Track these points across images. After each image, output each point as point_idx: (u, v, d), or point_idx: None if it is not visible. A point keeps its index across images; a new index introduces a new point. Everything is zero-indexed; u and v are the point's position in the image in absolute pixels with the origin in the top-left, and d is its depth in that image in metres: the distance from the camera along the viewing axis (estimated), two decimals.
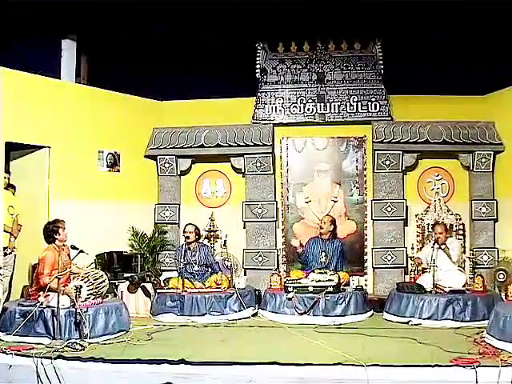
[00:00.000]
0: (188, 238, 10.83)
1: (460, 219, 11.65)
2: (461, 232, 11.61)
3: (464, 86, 11.81)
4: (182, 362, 6.89)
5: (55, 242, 8.75)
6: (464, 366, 6.53)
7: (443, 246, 10.27)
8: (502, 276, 10.82)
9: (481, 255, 11.45)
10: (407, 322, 9.48)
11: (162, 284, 10.78)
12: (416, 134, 11.65)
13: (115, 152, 11.58)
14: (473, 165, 11.71)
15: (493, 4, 10.72)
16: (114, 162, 11.57)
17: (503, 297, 9.92)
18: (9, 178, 10.17)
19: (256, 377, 6.64)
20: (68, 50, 11.89)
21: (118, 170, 11.64)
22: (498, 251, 11.45)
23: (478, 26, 11.55)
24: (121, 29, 11.91)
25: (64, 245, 8.83)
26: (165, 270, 11.60)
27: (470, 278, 10.45)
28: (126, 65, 12.28)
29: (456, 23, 11.63)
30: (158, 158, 11.67)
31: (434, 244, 10.23)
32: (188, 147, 11.60)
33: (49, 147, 10.51)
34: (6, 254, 9.48)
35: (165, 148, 11.61)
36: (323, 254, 10.86)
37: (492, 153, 11.67)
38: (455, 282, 9.97)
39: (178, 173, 11.73)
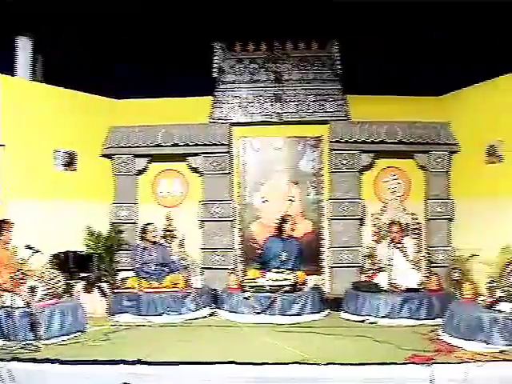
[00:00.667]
0: (154, 237, 11.13)
1: (416, 218, 11.92)
2: (416, 231, 11.91)
3: (420, 86, 12.04)
4: (139, 362, 7.06)
5: None
6: (419, 364, 6.85)
7: (399, 245, 10.57)
8: (456, 274, 11.08)
9: (436, 254, 11.77)
10: (363, 321, 9.77)
11: (119, 284, 10.90)
12: (372, 133, 11.89)
13: (71, 151, 11.68)
14: (428, 165, 11.98)
15: (449, 5, 11.08)
16: (69, 162, 11.63)
17: (458, 295, 10.21)
18: None
19: (213, 376, 6.84)
20: (23, 48, 11.92)
21: (74, 170, 11.74)
22: (452, 250, 11.76)
23: (434, 28, 11.80)
24: (77, 27, 12.03)
25: (7, 246, 8.92)
26: (121, 270, 11.67)
27: (426, 276, 10.70)
28: (83, 63, 12.33)
29: (413, 24, 11.82)
30: (115, 157, 11.75)
31: (389, 243, 10.54)
32: (144, 146, 11.67)
33: (3, 145, 10.55)
34: None
35: (121, 147, 11.67)
36: (284, 253, 11.11)
37: (447, 153, 11.95)
38: (411, 280, 10.24)
39: (135, 172, 11.80)
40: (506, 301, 7.71)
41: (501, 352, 7.30)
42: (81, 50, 12.26)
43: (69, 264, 10.68)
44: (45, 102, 11.27)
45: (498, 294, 8.01)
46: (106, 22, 11.94)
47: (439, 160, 11.97)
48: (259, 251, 11.47)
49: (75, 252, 10.97)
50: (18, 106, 10.81)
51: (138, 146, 11.84)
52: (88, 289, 10.65)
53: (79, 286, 10.54)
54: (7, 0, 10.40)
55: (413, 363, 6.90)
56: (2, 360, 7.05)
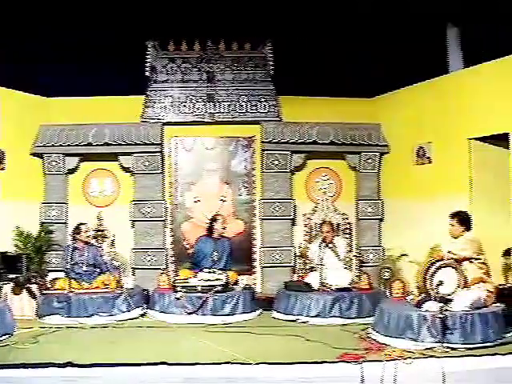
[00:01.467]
0: (88, 237, 11.19)
1: (347, 219, 12.22)
2: (347, 231, 12.25)
3: (352, 88, 12.39)
4: (69, 364, 7.03)
5: None
6: (350, 362, 7.05)
7: (330, 245, 10.90)
8: (386, 274, 11.53)
9: (366, 254, 12.20)
10: (295, 320, 10.02)
11: (49, 285, 10.83)
12: (304, 134, 12.22)
13: (0, 149, 11.62)
14: (359, 165, 12.41)
15: (380, 9, 11.66)
16: None
17: (388, 294, 10.61)
18: None
19: (145, 377, 6.87)
20: None
21: (3, 168, 11.66)
22: (383, 250, 12.26)
23: (366, 31, 12.22)
24: (8, 24, 12.00)
25: None
26: (51, 271, 11.63)
27: (356, 276, 11.02)
28: (13, 59, 12.22)
29: (346, 26, 12.23)
30: (45, 155, 11.69)
31: (320, 243, 10.84)
32: (75, 145, 11.65)
33: None
34: None
35: (52, 146, 11.59)
36: (215, 253, 11.33)
37: (378, 154, 12.39)
38: (342, 280, 10.57)
39: (65, 171, 11.78)
40: (432, 300, 8.01)
41: (429, 349, 7.64)
42: (11, 47, 12.20)
43: None
44: None
45: (426, 293, 8.28)
46: (37, 18, 12.06)
47: (370, 161, 12.42)
48: (191, 251, 11.66)
49: (3, 252, 10.91)
50: None
51: (68, 145, 11.86)
52: (16, 290, 10.62)
53: (7, 288, 10.52)
54: None
55: (344, 362, 7.11)
56: None
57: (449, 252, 8.16)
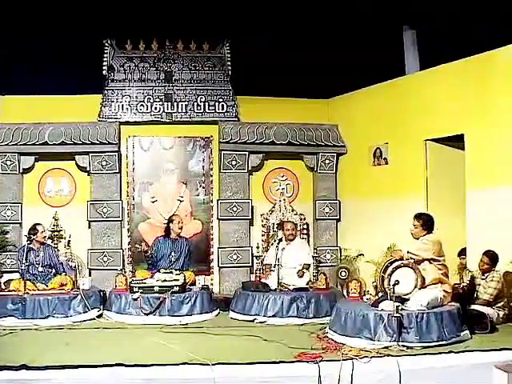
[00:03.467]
0: (44, 238, 11.13)
1: (304, 219, 12.43)
2: (305, 231, 12.44)
3: (309, 89, 12.59)
4: (24, 367, 6.97)
5: None
6: (307, 362, 7.14)
7: (289, 245, 11.05)
8: (343, 274, 11.77)
9: (324, 254, 12.39)
10: (253, 320, 10.10)
11: (3, 286, 10.82)
12: (262, 134, 12.35)
13: None
14: (317, 166, 12.60)
15: (338, 10, 11.80)
16: None
17: (345, 293, 10.78)
18: None
19: (102, 379, 6.88)
20: None
21: None
22: (340, 250, 12.44)
23: (324, 32, 12.45)
24: None
25: None
26: (5, 272, 11.59)
27: (314, 276, 11.21)
28: None
29: (303, 27, 12.47)
30: None
31: (278, 243, 10.91)
32: (31, 144, 11.52)
33: None
34: None
35: (6, 145, 11.49)
36: (173, 253, 11.39)
37: (335, 154, 12.58)
38: (299, 280, 10.71)
39: (21, 171, 11.67)
40: (389, 299, 8.11)
41: (385, 348, 7.77)
42: None
43: None
44: None
45: (382, 292, 8.44)
46: None
47: (327, 161, 12.60)
48: (148, 252, 11.60)
49: None
50: None
51: (24, 144, 11.82)
52: None
53: None
54: None
55: (301, 361, 7.19)
56: None
57: (409, 252, 8.19)
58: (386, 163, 11.30)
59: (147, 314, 10.14)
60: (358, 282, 10.01)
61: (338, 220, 12.57)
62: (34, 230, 10.99)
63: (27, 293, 10.20)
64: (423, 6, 10.95)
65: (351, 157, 12.40)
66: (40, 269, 10.95)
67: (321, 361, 7.12)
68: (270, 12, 12.02)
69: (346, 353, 7.52)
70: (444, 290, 8.35)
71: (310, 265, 10.96)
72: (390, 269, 8.27)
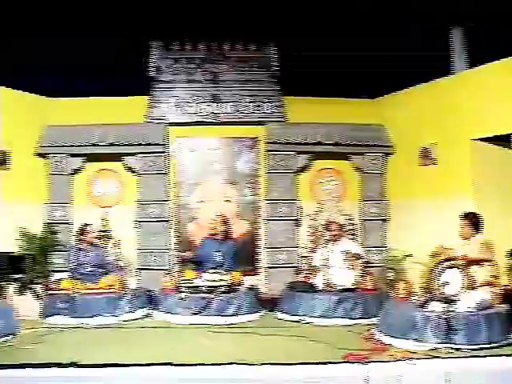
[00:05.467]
0: (92, 238, 11.36)
1: (351, 219, 12.40)
2: (352, 232, 12.35)
3: (356, 88, 12.73)
4: (73, 364, 7.16)
5: None
6: (355, 362, 7.16)
7: (335, 245, 11.11)
8: (391, 274, 11.72)
9: (371, 254, 12.32)
10: (299, 321, 10.16)
11: (53, 285, 10.99)
12: (309, 135, 12.33)
13: (4, 150, 11.76)
14: (364, 166, 12.57)
15: (385, 9, 11.78)
16: (2, 160, 11.71)
17: (392, 294, 10.49)
18: None
19: (149, 378, 7.03)
20: None
21: (7, 169, 11.81)
22: (387, 250, 12.36)
23: (371, 31, 12.44)
24: (15, 22, 12.26)
25: None
26: (56, 271, 11.76)
27: (361, 276, 11.11)
28: (17, 60, 12.47)
29: (350, 27, 12.45)
30: (49, 156, 11.76)
31: (326, 243, 11.06)
32: (80, 145, 11.69)
33: None
34: None
35: (56, 146, 11.67)
36: (218, 254, 11.48)
37: (382, 155, 12.58)
38: (346, 280, 10.74)
39: (70, 171, 11.81)
40: (437, 300, 8.17)
41: (432, 350, 7.78)
42: (14, 48, 12.37)
43: (1, 265, 10.74)
44: None
45: (430, 293, 8.42)
46: (42, 19, 12.26)
47: (374, 162, 12.58)
48: (195, 252, 11.78)
49: (8, 253, 11.02)
50: None
51: (73, 145, 11.89)
52: (21, 291, 10.85)
53: (11, 288, 10.71)
54: None
55: (348, 362, 7.21)
56: None
57: (460, 254, 8.15)
58: (434, 163, 11.13)
59: (194, 314, 10.27)
60: (406, 282, 9.90)
61: (385, 220, 12.58)
62: (82, 230, 11.26)
63: (77, 292, 10.46)
64: (471, 4, 10.76)
65: (399, 157, 12.38)
66: (89, 268, 11.14)
67: (368, 362, 7.15)
68: (318, 12, 11.99)
69: (393, 354, 7.55)
70: (493, 292, 8.28)
71: (359, 254, 10.99)
72: (438, 269, 8.20)
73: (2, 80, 11.59)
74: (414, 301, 9.03)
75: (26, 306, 10.65)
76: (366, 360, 7.20)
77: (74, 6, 11.82)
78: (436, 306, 8.06)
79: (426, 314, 8.13)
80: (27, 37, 12.27)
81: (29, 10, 11.79)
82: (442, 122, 10.99)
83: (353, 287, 10.55)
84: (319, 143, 12.34)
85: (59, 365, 7.16)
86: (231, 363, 7.21)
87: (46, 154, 12.33)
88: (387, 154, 12.61)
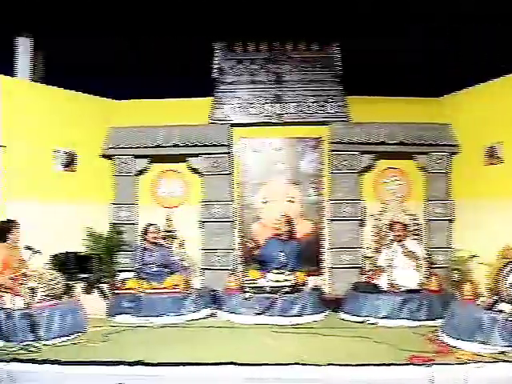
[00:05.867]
0: (155, 238, 11.49)
1: (416, 219, 12.28)
2: (416, 232, 12.26)
3: (420, 87, 12.47)
4: (139, 363, 7.31)
5: (7, 242, 9.22)
6: (419, 364, 7.11)
7: (400, 246, 10.99)
8: (456, 275, 11.49)
9: (436, 255, 12.19)
10: (363, 322, 10.14)
11: (119, 285, 11.21)
12: (373, 135, 12.26)
13: (71, 151, 12.04)
14: (429, 166, 12.40)
15: (449, 6, 11.66)
16: (69, 162, 11.98)
17: (458, 296, 10.54)
18: None
19: (213, 377, 7.11)
20: (23, 47, 12.27)
21: (74, 170, 12.10)
22: (452, 251, 12.17)
23: (434, 29, 12.31)
24: (77, 28, 12.42)
25: (15, 246, 9.26)
26: (121, 271, 11.95)
27: (426, 277, 11.00)
28: (83, 64, 12.60)
29: (414, 25, 12.33)
30: (115, 157, 12.01)
31: (390, 243, 10.97)
32: (145, 147, 11.92)
33: (3, 146, 10.92)
34: None
35: (121, 148, 11.93)
36: (282, 254, 11.51)
37: (448, 154, 12.40)
38: (411, 281, 10.66)
39: (135, 172, 12.05)
40: (505, 301, 8.02)
41: (500, 353, 7.61)
42: (81, 51, 12.60)
43: (69, 265, 10.95)
44: (45, 103, 11.62)
45: (498, 294, 8.30)
46: (106, 22, 12.42)
47: (439, 161, 12.41)
48: (259, 252, 11.82)
49: (75, 253, 11.26)
50: (18, 106, 11.14)
51: (138, 147, 12.03)
52: (88, 290, 11.08)
53: (79, 287, 10.91)
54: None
55: (413, 364, 7.16)
56: (1, 361, 7.31)
57: None
58: (501, 162, 10.92)
59: (258, 314, 10.33)
60: (472, 283, 9.79)
61: (451, 221, 12.40)
62: (145, 230, 11.39)
63: (142, 291, 10.62)
64: None
65: (464, 156, 12.21)
66: (154, 268, 11.30)
67: (433, 364, 7.07)
68: (379, 10, 11.79)
69: (458, 357, 7.44)
70: None
71: (421, 255, 11.00)
72: (505, 270, 8.09)
73: (68, 83, 11.93)
74: (480, 302, 8.87)
75: (93, 304, 10.84)
76: (431, 362, 7.13)
77: (135, 7, 12.05)
78: (504, 308, 7.82)
79: (493, 315, 7.98)
80: (89, 37, 12.58)
81: (93, 14, 12.00)
82: (509, 121, 10.76)
83: (417, 288, 10.46)
84: (383, 143, 12.25)
85: (125, 363, 7.31)
86: (295, 363, 7.24)
87: (111, 155, 12.57)
88: (452, 154, 12.45)
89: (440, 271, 11.68)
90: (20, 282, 8.78)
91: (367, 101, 12.51)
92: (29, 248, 9.03)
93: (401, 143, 12.26)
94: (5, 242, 9.22)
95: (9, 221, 9.35)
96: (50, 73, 12.69)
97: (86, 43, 12.53)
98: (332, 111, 12.47)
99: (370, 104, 12.49)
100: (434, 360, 7.22)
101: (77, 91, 12.19)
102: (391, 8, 11.56)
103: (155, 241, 11.46)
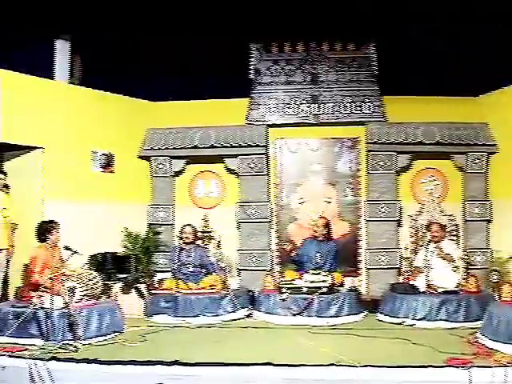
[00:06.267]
0: (187, 238, 11.50)
1: (453, 220, 12.19)
2: (454, 233, 12.16)
3: (457, 87, 12.33)
4: (176, 363, 7.29)
5: (47, 242, 9.35)
6: (457, 367, 6.97)
7: (437, 246, 10.85)
8: (495, 276, 11.28)
9: (474, 256, 12.08)
10: (401, 323, 10.06)
11: (156, 285, 11.30)
12: (410, 135, 12.22)
13: (109, 153, 12.18)
14: (466, 166, 12.30)
15: (485, 6, 11.57)
16: (107, 163, 12.14)
17: (496, 297, 10.41)
18: (5, 179, 10.78)
19: (250, 377, 7.08)
20: (61, 50, 12.49)
21: (112, 171, 12.25)
22: (491, 252, 12.06)
23: (470, 28, 12.16)
24: (114, 29, 12.53)
25: (55, 246, 9.38)
26: (158, 271, 11.98)
27: (464, 278, 10.91)
28: (120, 65, 12.82)
29: (449, 24, 12.23)
30: (152, 158, 12.17)
31: (427, 244, 10.86)
32: (182, 148, 12.08)
33: (42, 148, 11.10)
34: None
35: (158, 149, 12.07)
36: (318, 254, 11.47)
37: (485, 154, 12.26)
38: (449, 282, 10.55)
39: (172, 173, 12.19)
40: None
41: None
42: (118, 53, 12.84)
43: (107, 265, 11.03)
44: (83, 105, 11.79)
45: None
46: (143, 25, 12.51)
47: (477, 161, 12.29)
48: (296, 252, 11.74)
49: (113, 253, 11.33)
50: (57, 108, 11.35)
51: (175, 148, 12.21)
52: (126, 290, 11.10)
53: (117, 287, 10.98)
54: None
55: (451, 366, 7.05)
56: (41, 360, 7.37)
57: None
58: None
59: (295, 315, 10.31)
60: (511, 285, 9.62)
61: (489, 221, 12.27)
62: (182, 230, 11.48)
63: (179, 292, 10.66)
64: None
65: (502, 155, 12.07)
66: (191, 268, 11.34)
67: (471, 367, 6.95)
68: (414, 9, 11.73)
69: (498, 359, 7.28)
70: None
71: (458, 256, 10.83)
72: None
73: (105, 84, 12.14)
74: None
75: (131, 305, 10.97)
76: (470, 365, 7.00)
77: (170, 8, 12.12)
78: None
79: None
80: (127, 39, 12.82)
81: (127, 12, 12.20)
82: None
83: (456, 289, 10.35)
84: (420, 143, 12.17)
85: (162, 362, 7.31)
86: (331, 364, 7.20)
87: (148, 156, 12.71)
88: (490, 153, 12.31)
89: (478, 272, 11.53)
90: (59, 281, 8.85)
91: (404, 100, 12.47)
92: (68, 248, 9.08)
93: (438, 143, 12.17)
94: (45, 242, 9.31)
95: (49, 221, 9.44)
96: (88, 75, 12.90)
97: (123, 45, 12.79)
98: (369, 111, 12.43)
99: (407, 104, 12.46)
100: (472, 362, 7.09)
101: (116, 94, 12.39)
102: (429, 5, 11.30)
103: (193, 241, 11.38)
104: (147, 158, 12.24)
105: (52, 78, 12.03)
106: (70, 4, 11.42)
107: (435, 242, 10.81)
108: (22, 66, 10.84)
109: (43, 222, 9.51)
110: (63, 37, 12.46)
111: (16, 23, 11.64)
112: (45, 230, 9.36)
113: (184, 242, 11.43)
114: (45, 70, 11.93)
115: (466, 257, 11.61)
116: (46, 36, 12.32)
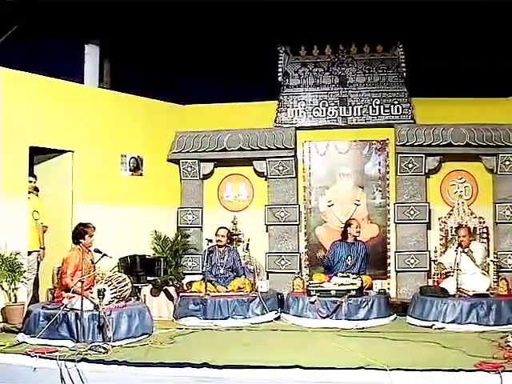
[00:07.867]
0: (220, 241, 11.50)
1: (483, 222, 12.05)
2: (484, 235, 12.02)
3: (487, 87, 12.29)
4: (205, 365, 7.27)
5: (80, 245, 9.40)
6: (488, 371, 6.83)
7: (467, 250, 10.70)
8: None
9: (505, 259, 11.89)
10: (431, 326, 9.93)
11: (185, 287, 11.33)
12: (439, 136, 12.11)
13: (138, 156, 12.27)
14: (496, 167, 12.16)
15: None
16: (136, 166, 12.25)
17: None
18: (35, 182, 10.96)
19: (279, 380, 7.05)
20: (91, 54, 12.60)
21: (141, 174, 12.34)
22: None
23: (501, 28, 12.10)
24: (144, 33, 12.61)
25: (89, 250, 9.42)
26: (187, 274, 12.17)
27: (494, 281, 10.82)
28: (149, 69, 12.98)
29: (479, 25, 12.16)
30: (181, 161, 12.26)
31: (457, 247, 10.66)
32: (210, 151, 12.11)
33: (72, 151, 11.27)
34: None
35: (187, 152, 12.15)
36: (349, 257, 11.42)
37: None
38: (479, 285, 10.40)
39: (201, 176, 12.30)
40: None
41: None
42: (147, 57, 12.97)
43: (136, 268, 11.21)
44: (112, 108, 11.93)
45: None
46: (172, 28, 12.59)
47: (507, 163, 12.12)
48: (325, 255, 11.62)
49: (142, 256, 11.48)
50: (87, 112, 11.48)
51: (204, 151, 12.29)
52: (155, 292, 11.13)
53: (146, 290, 11.06)
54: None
55: (481, 370, 6.91)
56: (71, 361, 7.41)
57: None
58: None
59: (324, 318, 10.27)
60: None
61: None
62: (216, 233, 11.53)
63: (208, 294, 10.66)
64: None
65: None
66: (221, 271, 11.39)
67: (503, 371, 6.79)
68: (444, 11, 11.68)
69: None
70: None
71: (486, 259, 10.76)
72: None
73: (134, 88, 12.30)
74: None
75: (160, 307, 11.08)
76: (501, 369, 6.83)
77: (198, 12, 12.16)
78: None
79: None
80: (156, 44, 12.93)
81: (154, 16, 12.26)
82: None
83: (486, 292, 10.21)
84: (449, 144, 12.08)
85: (192, 365, 7.29)
86: (360, 367, 7.12)
87: (178, 159, 12.79)
88: None
89: (509, 275, 11.32)
90: (90, 284, 8.92)
91: (433, 102, 12.38)
92: (98, 251, 9.07)
93: (467, 145, 12.07)
94: (79, 244, 9.33)
95: (84, 224, 9.46)
96: (117, 79, 13.07)
97: (152, 49, 12.91)
98: (397, 113, 12.41)
99: (436, 105, 12.35)
100: (503, 367, 6.92)
101: (146, 97, 12.50)
102: (457, 7, 11.24)
103: (225, 243, 11.38)
104: (176, 161, 12.32)
105: (82, 83, 12.18)
106: (99, 9, 11.54)
107: (466, 245, 10.57)
108: (53, 72, 11.05)
109: (79, 224, 9.55)
110: (93, 42, 12.61)
111: (47, 29, 11.83)
112: (79, 232, 9.40)
113: (217, 245, 11.33)
114: (75, 74, 12.12)
115: (497, 260, 11.48)
116: (77, 41, 12.53)
